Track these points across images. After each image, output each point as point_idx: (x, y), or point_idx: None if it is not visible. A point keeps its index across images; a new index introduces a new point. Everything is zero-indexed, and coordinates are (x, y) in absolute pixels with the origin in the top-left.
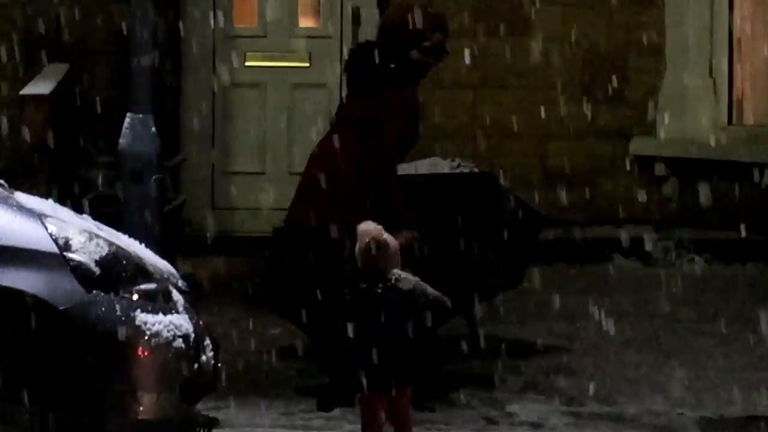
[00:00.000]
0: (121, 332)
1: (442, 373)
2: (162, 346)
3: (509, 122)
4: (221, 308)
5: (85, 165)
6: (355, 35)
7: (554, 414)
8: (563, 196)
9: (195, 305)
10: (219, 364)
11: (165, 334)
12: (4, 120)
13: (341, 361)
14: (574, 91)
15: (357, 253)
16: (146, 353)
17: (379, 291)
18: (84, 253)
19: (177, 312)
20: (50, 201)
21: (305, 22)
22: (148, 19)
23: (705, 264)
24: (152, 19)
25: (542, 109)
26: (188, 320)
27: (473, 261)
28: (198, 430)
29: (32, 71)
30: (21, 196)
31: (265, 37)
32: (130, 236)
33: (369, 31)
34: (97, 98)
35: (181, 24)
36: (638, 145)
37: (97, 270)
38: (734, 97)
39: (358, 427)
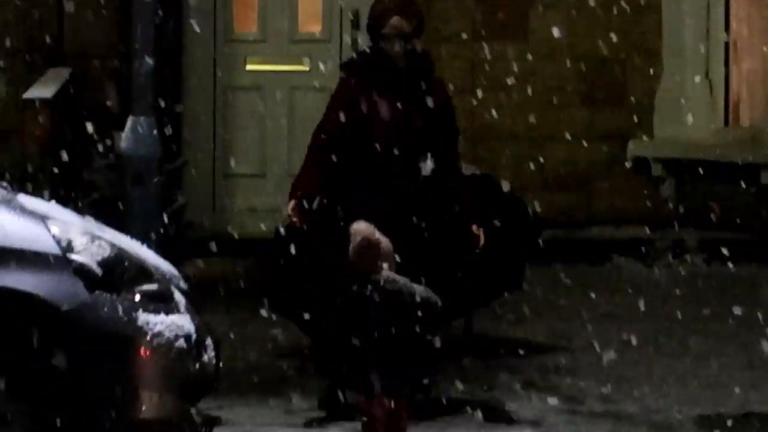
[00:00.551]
0: (124, 332)
1: (438, 374)
2: (164, 346)
3: (508, 125)
4: (222, 308)
5: (87, 168)
6: (354, 40)
7: (553, 413)
8: (562, 197)
9: (196, 305)
10: (220, 364)
11: (167, 334)
12: (7, 123)
13: (340, 361)
14: (573, 94)
15: (350, 252)
16: (148, 353)
17: (367, 293)
18: (86, 255)
19: (179, 312)
20: (53, 203)
21: (305, 27)
22: (150, 24)
23: (702, 264)
24: (154, 24)
25: (541, 111)
26: (190, 320)
27: (472, 265)
28: (199, 429)
29: (34, 75)
30: (24, 198)
31: (265, 41)
32: (131, 238)
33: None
34: (99, 102)
35: (182, 28)
36: (636, 147)
37: (99, 271)
38: (730, 100)
39: (359, 426)
